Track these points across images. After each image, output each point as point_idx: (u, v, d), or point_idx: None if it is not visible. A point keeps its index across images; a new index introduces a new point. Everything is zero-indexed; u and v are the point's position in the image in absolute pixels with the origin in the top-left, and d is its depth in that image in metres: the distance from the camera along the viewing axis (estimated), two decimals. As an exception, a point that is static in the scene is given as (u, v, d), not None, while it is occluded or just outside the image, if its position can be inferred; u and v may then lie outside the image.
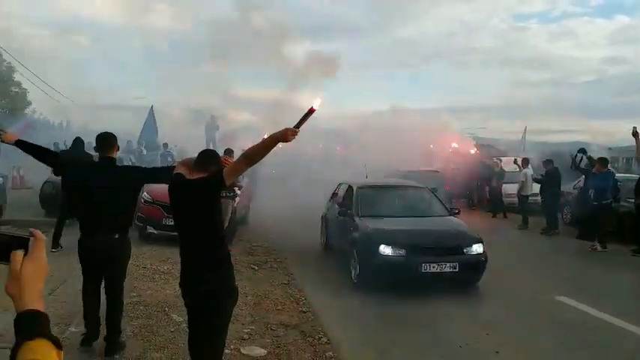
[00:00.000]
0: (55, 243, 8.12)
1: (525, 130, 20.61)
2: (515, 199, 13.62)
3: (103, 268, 4.40)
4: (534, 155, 16.70)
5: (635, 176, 10.33)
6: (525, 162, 13.40)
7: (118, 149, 4.65)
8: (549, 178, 12.14)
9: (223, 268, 3.41)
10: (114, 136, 4.49)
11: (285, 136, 3.11)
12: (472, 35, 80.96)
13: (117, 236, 4.37)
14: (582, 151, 12.02)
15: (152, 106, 17.25)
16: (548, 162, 12.47)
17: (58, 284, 6.17)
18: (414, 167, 15.07)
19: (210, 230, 3.36)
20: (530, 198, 13.00)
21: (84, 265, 4.47)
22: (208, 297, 3.30)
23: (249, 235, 10.32)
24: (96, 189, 4.23)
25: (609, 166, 11.21)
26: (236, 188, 9.15)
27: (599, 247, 9.89)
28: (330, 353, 4.63)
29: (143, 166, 5.56)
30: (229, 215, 9.15)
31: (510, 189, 14.09)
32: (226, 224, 9.17)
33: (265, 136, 3.38)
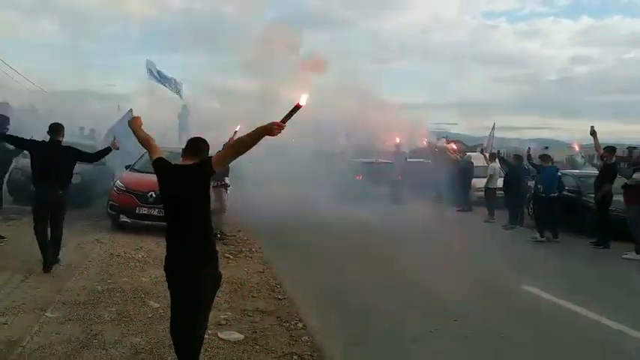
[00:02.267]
0: None
1: (494, 126, 21.07)
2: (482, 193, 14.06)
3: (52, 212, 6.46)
4: (503, 150, 17.30)
5: (595, 172, 10.80)
6: (493, 156, 13.85)
7: (63, 135, 6.61)
8: (513, 173, 12.60)
9: (209, 254, 3.53)
10: (62, 125, 6.62)
11: (272, 129, 3.21)
12: (443, 32, 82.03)
13: (61, 192, 6.44)
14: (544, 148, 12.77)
15: (131, 110, 17.03)
16: (517, 157, 12.96)
17: (30, 270, 6.12)
18: (370, 158, 16.33)
19: (199, 216, 3.46)
20: (497, 192, 13.43)
21: (36, 211, 6.43)
22: (194, 282, 3.41)
23: (222, 226, 10.34)
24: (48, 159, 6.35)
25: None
26: (226, 178, 9.27)
27: (538, 237, 10.57)
28: (306, 338, 4.77)
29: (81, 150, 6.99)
30: (226, 203, 9.27)
31: (479, 183, 14.53)
32: (225, 211, 9.32)
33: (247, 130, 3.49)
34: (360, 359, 4.51)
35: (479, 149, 14.60)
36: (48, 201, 6.34)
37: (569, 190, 12.21)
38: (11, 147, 7.88)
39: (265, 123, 3.25)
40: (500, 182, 13.33)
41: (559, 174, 11.17)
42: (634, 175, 9.10)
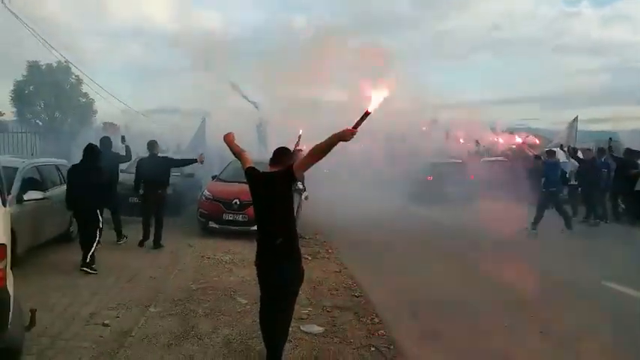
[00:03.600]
0: (119, 235, 9.03)
1: (576, 119, 19.97)
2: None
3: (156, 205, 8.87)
4: (589, 144, 16.44)
5: None
6: (574, 151, 13.27)
7: (158, 149, 9.19)
8: (586, 168, 12.22)
9: (294, 252, 3.95)
10: (156, 141, 9.28)
11: (345, 135, 3.56)
12: (521, 24, 78.62)
13: (160, 191, 8.89)
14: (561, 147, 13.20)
15: (204, 119, 18.14)
16: (588, 151, 12.52)
17: (134, 273, 6.87)
18: (441, 159, 16.47)
19: (285, 217, 3.88)
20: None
21: (144, 205, 9.07)
22: (282, 277, 3.83)
23: (300, 229, 10.80)
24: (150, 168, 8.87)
25: None
26: (299, 184, 9.77)
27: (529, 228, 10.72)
28: (382, 331, 5.04)
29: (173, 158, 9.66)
30: (300, 207, 9.77)
31: None
32: (299, 215, 9.81)
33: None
34: (434, 352, 4.69)
35: (558, 145, 13.95)
36: (152, 198, 8.81)
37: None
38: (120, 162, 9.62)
39: (339, 130, 3.61)
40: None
41: (560, 169, 11.11)
42: None
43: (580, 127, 20.79)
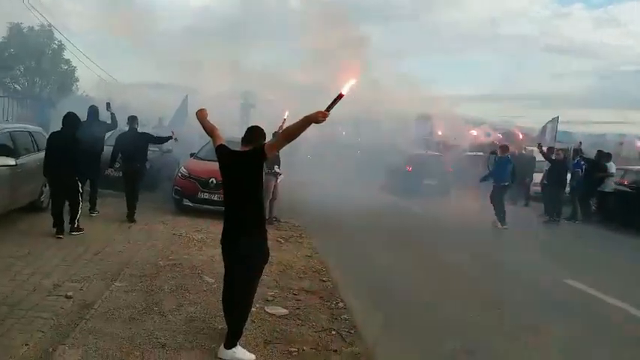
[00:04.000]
0: (93, 206, 9.00)
1: (557, 119, 20.25)
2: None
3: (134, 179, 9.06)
4: (568, 145, 16.76)
5: None
6: (551, 151, 13.47)
7: (138, 124, 9.51)
8: (555, 167, 12.52)
9: (260, 231, 3.97)
10: (136, 116, 9.52)
11: (317, 118, 3.58)
12: (513, 21, 78.94)
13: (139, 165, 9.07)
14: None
15: (186, 96, 17.88)
16: (562, 151, 12.92)
17: (103, 246, 6.81)
18: (420, 151, 16.85)
19: (252, 196, 3.88)
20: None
21: (125, 178, 9.16)
22: (245, 254, 3.86)
23: (276, 213, 10.81)
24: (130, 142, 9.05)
25: None
26: (276, 167, 9.75)
27: (499, 225, 10.97)
28: (345, 316, 5.09)
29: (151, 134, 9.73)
30: (271, 189, 9.75)
31: (539, 178, 14.22)
32: (269, 197, 9.80)
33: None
34: (395, 339, 4.75)
35: (537, 143, 14.16)
36: (131, 171, 9.01)
37: (629, 186, 11.84)
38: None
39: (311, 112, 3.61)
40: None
41: (511, 165, 11.39)
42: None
43: (566, 128, 21.17)
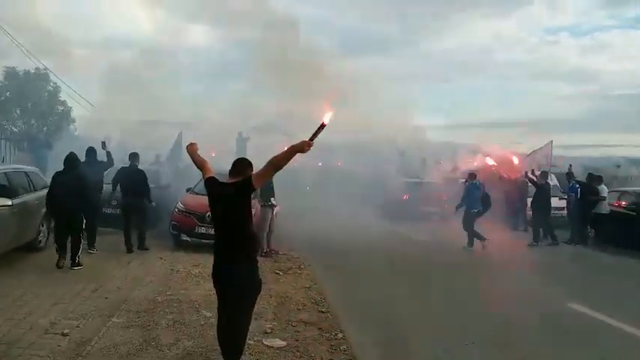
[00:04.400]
0: (92, 243, 9.00)
1: (551, 143, 20.45)
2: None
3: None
4: (562, 169, 16.91)
5: None
6: (544, 175, 13.58)
7: (139, 160, 9.91)
8: (540, 191, 12.73)
9: (251, 262, 4.00)
10: (138, 153, 9.94)
11: (302, 147, 3.69)
12: (504, 50, 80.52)
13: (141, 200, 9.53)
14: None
15: (181, 132, 18.16)
16: (543, 175, 13.06)
17: (101, 283, 6.79)
18: (415, 179, 17.24)
19: (241, 226, 3.93)
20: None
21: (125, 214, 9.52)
22: (237, 285, 3.87)
23: (274, 245, 10.79)
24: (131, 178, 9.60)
25: None
26: (272, 199, 9.79)
27: (467, 246, 11.44)
28: (344, 347, 5.05)
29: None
30: (268, 221, 9.77)
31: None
32: (266, 229, 9.81)
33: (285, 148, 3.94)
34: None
35: (529, 171, 14.26)
36: (132, 207, 9.44)
37: (628, 208, 11.90)
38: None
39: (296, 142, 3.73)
40: (553, 201, 13.15)
41: (479, 191, 11.64)
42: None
43: (562, 152, 21.36)
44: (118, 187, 9.84)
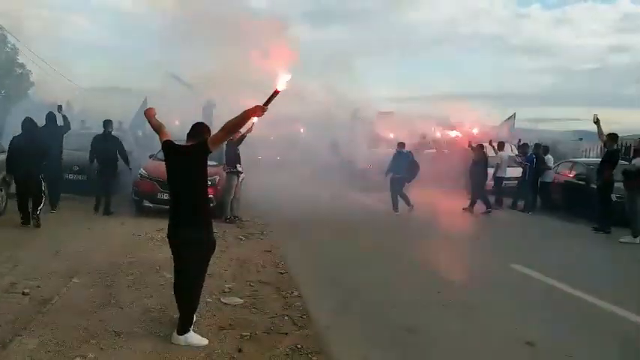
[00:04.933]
0: (54, 205, 9.30)
1: (514, 116, 21.11)
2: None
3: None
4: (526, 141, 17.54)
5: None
6: (501, 145, 14.14)
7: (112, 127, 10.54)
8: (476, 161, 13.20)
9: (205, 221, 4.19)
10: (111, 120, 10.55)
11: (256, 111, 3.86)
12: (474, 21, 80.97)
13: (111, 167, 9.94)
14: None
15: (146, 98, 17.95)
16: (479, 147, 13.36)
17: (61, 246, 6.88)
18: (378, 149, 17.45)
19: (195, 189, 4.10)
20: (504, 181, 13.83)
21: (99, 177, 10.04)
22: (191, 243, 4.05)
23: (239, 212, 10.97)
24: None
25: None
26: (238, 166, 9.91)
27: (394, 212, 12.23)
28: (298, 304, 5.33)
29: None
30: (233, 188, 9.91)
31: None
32: (231, 195, 9.95)
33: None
34: (344, 323, 5.01)
35: (488, 142, 14.77)
36: (106, 172, 9.97)
37: (578, 178, 12.52)
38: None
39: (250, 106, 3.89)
40: (508, 171, 13.73)
41: (408, 160, 12.51)
42: (633, 161, 9.31)
43: (526, 125, 22.00)
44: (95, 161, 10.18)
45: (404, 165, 12.39)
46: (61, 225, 8.35)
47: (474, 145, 13.49)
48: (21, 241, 7.06)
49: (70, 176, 11.07)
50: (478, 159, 13.00)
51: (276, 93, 3.96)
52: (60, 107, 10.47)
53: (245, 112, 3.86)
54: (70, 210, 9.73)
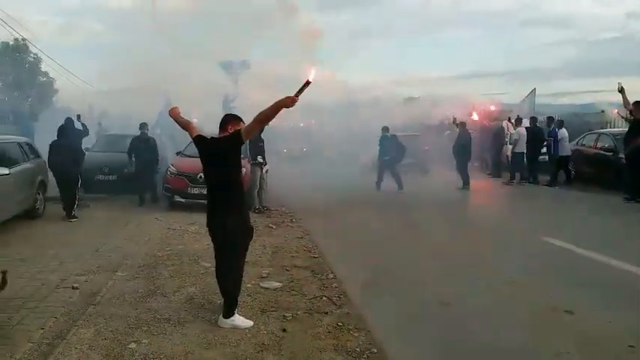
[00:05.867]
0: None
1: (534, 92, 20.82)
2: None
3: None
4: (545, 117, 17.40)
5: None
6: (519, 121, 14.07)
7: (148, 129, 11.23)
8: (461, 138, 13.58)
9: (241, 209, 4.33)
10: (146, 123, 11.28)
11: (287, 102, 3.92)
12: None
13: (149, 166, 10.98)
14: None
15: (168, 98, 18.21)
16: (462, 124, 13.79)
17: (101, 244, 7.13)
18: (400, 132, 16.91)
19: (232, 178, 4.23)
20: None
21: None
22: (230, 230, 4.20)
23: (266, 202, 11.15)
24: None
25: None
26: (259, 157, 10.07)
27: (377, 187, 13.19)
28: (335, 285, 5.47)
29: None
30: (258, 179, 10.09)
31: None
32: (257, 187, 10.14)
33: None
34: (380, 300, 5.14)
35: (509, 117, 14.76)
36: (145, 171, 10.79)
37: (605, 149, 12.38)
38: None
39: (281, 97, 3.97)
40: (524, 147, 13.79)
41: (392, 142, 13.30)
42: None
43: (546, 100, 21.72)
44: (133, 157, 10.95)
45: (391, 147, 13.21)
46: (98, 223, 8.64)
47: (458, 122, 13.76)
48: (63, 240, 7.34)
49: (101, 177, 11.39)
50: (462, 137, 13.31)
51: (307, 83, 3.97)
52: (79, 116, 11.26)
53: (276, 103, 3.93)
54: (104, 209, 10.04)
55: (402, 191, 12.72)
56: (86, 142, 12.03)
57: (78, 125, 10.73)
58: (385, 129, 13.71)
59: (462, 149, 13.29)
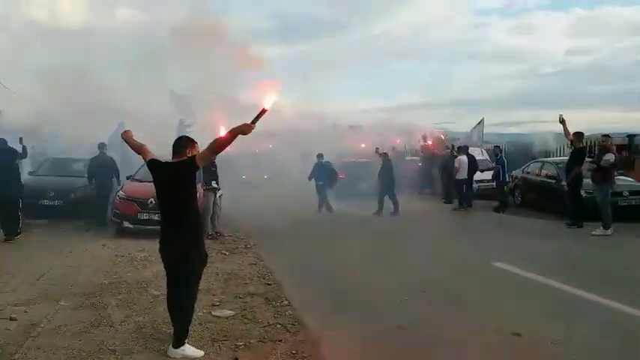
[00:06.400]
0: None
1: (481, 121, 21.63)
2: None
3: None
4: (490, 145, 18.12)
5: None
6: (463, 149, 14.68)
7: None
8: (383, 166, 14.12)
9: (196, 236, 4.23)
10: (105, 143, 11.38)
11: (244, 129, 3.91)
12: (437, 32, 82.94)
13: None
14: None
15: (121, 122, 17.82)
16: (384, 154, 14.49)
17: (44, 271, 6.79)
18: (352, 159, 18.52)
19: (187, 203, 4.14)
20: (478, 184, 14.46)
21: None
22: (183, 258, 4.09)
23: (220, 227, 10.98)
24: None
25: None
26: (213, 182, 9.92)
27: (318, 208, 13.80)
28: (289, 312, 5.40)
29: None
30: (212, 204, 9.91)
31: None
32: (210, 213, 9.95)
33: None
34: (335, 325, 5.09)
35: (452, 145, 15.45)
36: (105, 189, 10.85)
37: (548, 177, 12.97)
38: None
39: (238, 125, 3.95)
40: (480, 175, 14.36)
41: (325, 169, 14.19)
42: (605, 157, 9.65)
43: (494, 129, 22.66)
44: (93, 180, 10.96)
45: (324, 173, 14.05)
46: (41, 250, 8.23)
47: (380, 152, 14.48)
48: (2, 267, 6.94)
49: (46, 202, 10.92)
50: (384, 165, 13.96)
51: (263, 111, 3.99)
52: (21, 139, 10.63)
53: (233, 130, 3.91)
54: (48, 235, 9.60)
55: (331, 213, 13.56)
56: (27, 165, 11.75)
57: (18, 147, 10.21)
58: (320, 155, 14.50)
59: (386, 177, 13.92)
